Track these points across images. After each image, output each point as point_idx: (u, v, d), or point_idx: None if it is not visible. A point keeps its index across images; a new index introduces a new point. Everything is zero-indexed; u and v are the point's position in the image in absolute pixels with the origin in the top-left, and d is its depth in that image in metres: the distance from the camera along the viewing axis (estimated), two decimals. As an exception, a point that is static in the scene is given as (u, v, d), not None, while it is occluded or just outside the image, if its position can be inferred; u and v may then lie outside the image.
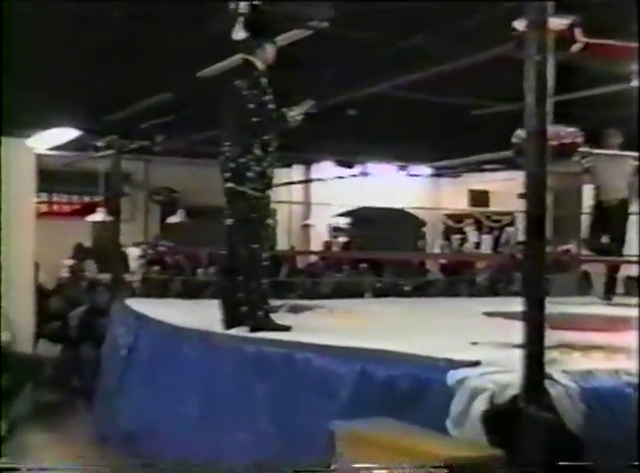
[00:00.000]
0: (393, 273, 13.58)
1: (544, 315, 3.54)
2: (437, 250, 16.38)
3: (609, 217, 8.28)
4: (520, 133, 3.75)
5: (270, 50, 5.65)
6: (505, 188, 15.13)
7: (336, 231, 16.55)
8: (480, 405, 3.57)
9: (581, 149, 3.96)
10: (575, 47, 3.71)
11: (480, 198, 16.86)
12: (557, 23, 3.57)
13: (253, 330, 5.42)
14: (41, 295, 10.87)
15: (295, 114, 5.70)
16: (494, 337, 4.87)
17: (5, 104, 7.55)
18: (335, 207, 15.34)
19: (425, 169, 15.05)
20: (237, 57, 6.66)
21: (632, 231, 8.49)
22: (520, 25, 3.65)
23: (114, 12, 6.03)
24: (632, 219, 8.54)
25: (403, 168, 14.72)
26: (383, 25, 6.30)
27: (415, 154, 13.56)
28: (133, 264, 11.83)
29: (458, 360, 3.94)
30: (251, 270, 5.54)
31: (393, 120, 10.04)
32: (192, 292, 11.13)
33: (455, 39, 6.11)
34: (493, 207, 16.60)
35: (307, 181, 15.73)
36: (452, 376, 3.78)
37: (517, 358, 3.61)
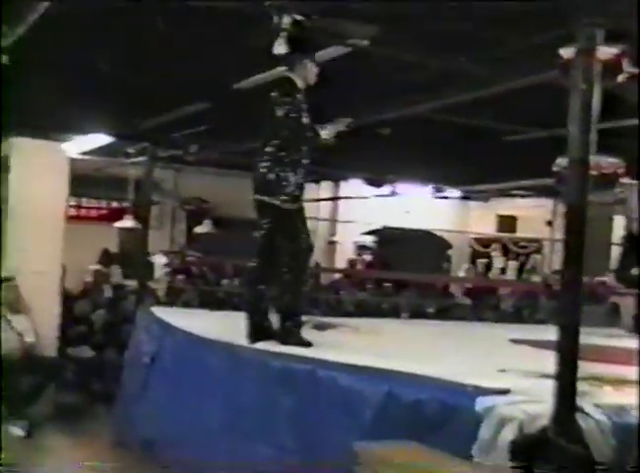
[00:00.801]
0: (417, 294, 13.52)
1: (577, 346, 3.50)
2: (462, 274, 16.29)
3: None
4: (561, 161, 3.70)
5: (312, 70, 5.66)
6: (533, 214, 15.08)
7: (361, 249, 16.50)
8: (509, 434, 3.52)
9: (622, 180, 3.90)
10: (621, 77, 3.66)
11: (507, 223, 16.80)
12: (606, 52, 3.53)
13: (282, 343, 5.43)
14: (67, 299, 10.90)
15: (330, 132, 5.72)
16: (522, 365, 4.82)
17: (42, 108, 7.61)
18: (361, 225, 15.32)
19: (455, 192, 15.02)
20: (277, 71, 6.71)
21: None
22: (566, 52, 3.61)
23: (153, 19, 6.06)
24: None
25: (433, 189, 14.70)
26: (423, 46, 6.29)
27: (445, 176, 13.53)
28: (158, 272, 11.84)
29: (487, 387, 3.89)
30: (284, 282, 5.55)
31: (425, 141, 10.02)
32: (217, 302, 11.13)
33: (495, 64, 6.10)
34: (520, 233, 16.53)
35: (335, 199, 15.73)
36: (480, 403, 3.73)
37: (546, 388, 3.57)
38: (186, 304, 10.68)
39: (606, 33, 3.51)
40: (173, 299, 11.00)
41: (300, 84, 5.64)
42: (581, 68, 3.49)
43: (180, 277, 12.27)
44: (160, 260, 11.88)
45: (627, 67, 3.64)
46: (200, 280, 12.87)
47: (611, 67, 3.59)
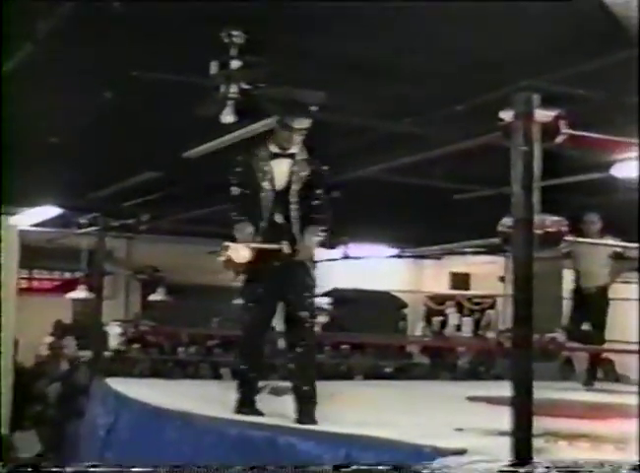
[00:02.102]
0: (374, 355, 13.53)
1: (531, 403, 3.53)
2: (418, 332, 16.35)
3: (590, 303, 8.30)
4: (506, 221, 3.78)
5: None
6: (485, 271, 15.22)
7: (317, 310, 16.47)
8: (467, 494, 3.53)
9: (566, 238, 3.99)
10: (560, 138, 3.77)
11: (461, 280, 16.95)
12: (543, 115, 3.64)
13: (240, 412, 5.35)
14: (20, 374, 10.73)
15: None
16: (479, 423, 4.84)
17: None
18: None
19: (407, 251, 15.12)
20: (225, 139, 6.80)
21: (613, 316, 8.52)
22: (506, 115, 3.71)
23: (102, 92, 6.12)
24: (612, 304, 8.55)
25: (386, 250, 14.82)
26: (371, 110, 6.43)
27: (398, 236, 13.66)
28: (113, 342, 11.73)
29: (444, 448, 3.90)
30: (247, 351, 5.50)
31: (377, 202, 10.14)
32: (172, 371, 11.04)
33: (441, 125, 6.24)
34: (474, 290, 16.66)
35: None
36: (438, 464, 3.74)
37: (503, 445, 3.59)
38: (142, 374, 10.57)
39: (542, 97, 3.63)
40: (129, 369, 10.88)
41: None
42: (521, 130, 3.59)
43: (135, 346, 12.16)
44: (114, 330, 11.77)
45: (565, 129, 3.75)
46: (155, 349, 12.76)
47: (550, 129, 3.69)
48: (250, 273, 5.24)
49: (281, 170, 5.19)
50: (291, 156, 5.20)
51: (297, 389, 5.22)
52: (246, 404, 5.41)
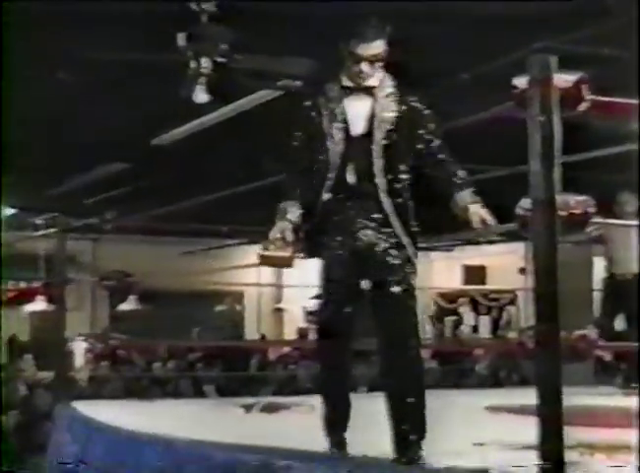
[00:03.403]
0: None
1: (561, 410, 3.52)
2: (428, 335, 16.37)
3: (624, 294, 8.30)
4: (524, 203, 3.75)
5: None
6: (503, 262, 15.24)
7: (312, 315, 16.50)
8: (491, 518, 3.53)
9: (594, 220, 3.96)
10: (582, 106, 3.74)
11: (475, 274, 16.93)
12: (563, 79, 3.61)
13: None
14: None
15: None
16: (500, 436, 4.84)
17: None
18: (311, 288, 15.31)
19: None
20: (199, 122, 6.79)
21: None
22: (520, 82, 3.69)
23: (59, 74, 6.11)
24: None
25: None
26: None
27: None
28: (79, 360, 11.69)
29: (461, 467, 3.90)
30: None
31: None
32: (149, 390, 11.03)
33: (448, 97, 6.22)
34: (491, 284, 16.67)
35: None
36: (457, 486, 3.74)
37: (529, 461, 3.58)
38: (113, 395, 10.56)
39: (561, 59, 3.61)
40: (98, 389, 10.85)
41: None
42: (537, 98, 3.57)
43: (104, 364, 12.14)
44: (79, 346, 11.72)
45: (587, 95, 3.72)
46: (127, 365, 12.75)
47: (571, 96, 3.67)
48: None
49: (357, 111, 4.38)
50: (370, 91, 4.37)
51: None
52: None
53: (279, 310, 16.44)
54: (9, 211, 10.95)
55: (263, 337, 15.95)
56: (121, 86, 6.39)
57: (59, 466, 7.36)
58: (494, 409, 6.88)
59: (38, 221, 10.37)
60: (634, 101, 4.92)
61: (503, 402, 7.01)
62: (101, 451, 6.72)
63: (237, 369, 12.69)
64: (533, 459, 3.55)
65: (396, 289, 4.37)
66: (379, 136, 4.29)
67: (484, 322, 16.40)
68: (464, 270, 17.14)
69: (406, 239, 4.40)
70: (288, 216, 4.37)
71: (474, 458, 4.05)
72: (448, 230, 12.70)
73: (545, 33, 5.28)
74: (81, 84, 6.23)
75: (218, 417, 5.59)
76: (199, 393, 11.54)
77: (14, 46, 5.56)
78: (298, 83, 5.96)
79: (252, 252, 14.42)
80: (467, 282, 16.95)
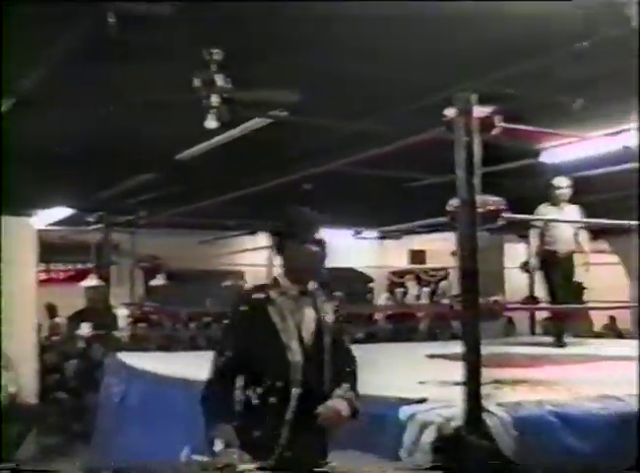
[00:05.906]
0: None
1: (480, 357, 3.57)
2: (382, 302, 16.42)
3: (566, 265, 7.83)
4: (453, 202, 3.81)
5: None
6: (439, 247, 15.27)
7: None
8: (429, 436, 3.56)
9: (504, 214, 4.02)
10: (495, 131, 3.81)
11: (418, 256, 17.03)
12: (481, 111, 3.67)
13: None
14: (43, 351, 10.69)
15: None
16: (438, 376, 4.87)
17: (7, 188, 7.54)
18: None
19: (372, 233, 15.21)
20: (211, 142, 6.78)
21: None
22: (449, 112, 3.74)
23: (101, 103, 6.05)
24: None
25: (353, 232, 14.89)
26: (338, 111, 6.42)
27: (363, 220, 13.70)
28: (122, 322, 11.68)
29: (408, 398, 3.93)
30: None
31: (343, 192, 10.14)
32: (174, 345, 11.04)
33: (396, 123, 6.25)
34: (430, 264, 16.73)
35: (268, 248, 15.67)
36: (403, 412, 3.77)
37: (458, 394, 3.62)
38: (148, 349, 10.56)
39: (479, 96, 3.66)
40: (136, 344, 10.85)
41: None
42: (462, 125, 3.62)
43: (141, 325, 12.13)
44: (122, 312, 11.71)
45: (499, 123, 3.79)
46: (158, 326, 12.74)
47: (487, 123, 3.72)
48: None
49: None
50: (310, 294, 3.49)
51: None
52: None
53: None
54: (68, 211, 10.94)
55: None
56: (152, 114, 6.35)
57: (108, 401, 7.37)
58: (433, 356, 6.92)
59: (90, 218, 10.33)
60: (533, 129, 5.00)
61: (439, 351, 7.04)
62: (139, 390, 6.74)
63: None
64: (460, 392, 3.60)
65: None
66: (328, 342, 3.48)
67: (425, 292, 16.43)
68: (410, 253, 17.20)
69: None
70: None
71: (417, 392, 4.08)
72: (397, 223, 12.81)
73: (468, 76, 5.31)
74: (120, 114, 6.18)
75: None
76: (212, 347, 11.54)
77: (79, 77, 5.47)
78: (284, 113, 5.96)
79: (251, 241, 14.47)
80: (412, 262, 17.02)
